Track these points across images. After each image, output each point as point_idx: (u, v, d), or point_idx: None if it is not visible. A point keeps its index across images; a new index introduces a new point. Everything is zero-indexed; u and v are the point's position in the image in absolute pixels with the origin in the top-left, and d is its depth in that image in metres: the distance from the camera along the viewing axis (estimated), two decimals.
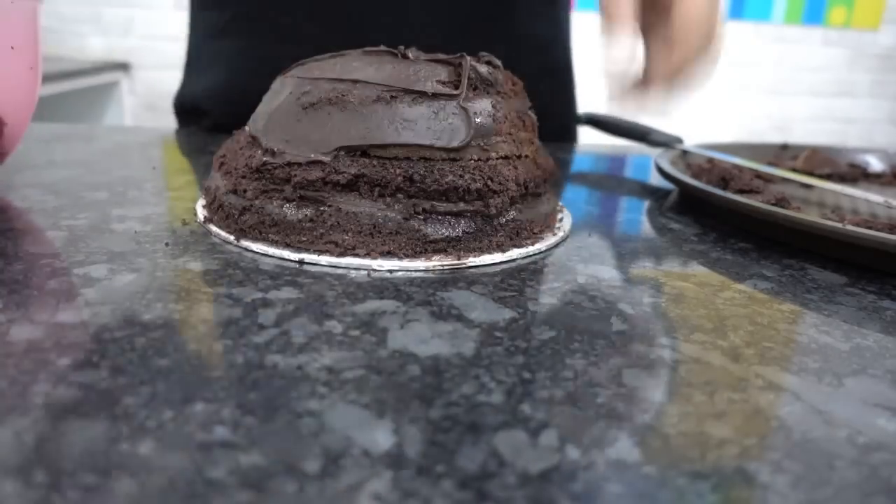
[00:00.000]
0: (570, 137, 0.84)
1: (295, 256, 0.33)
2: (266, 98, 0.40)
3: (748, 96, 2.45)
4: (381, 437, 0.19)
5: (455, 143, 0.35)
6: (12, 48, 0.41)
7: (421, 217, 0.34)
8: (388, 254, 0.34)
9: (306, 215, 0.34)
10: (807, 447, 0.20)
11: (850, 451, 0.20)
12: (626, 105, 0.38)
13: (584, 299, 0.31)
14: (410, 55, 0.39)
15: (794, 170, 0.62)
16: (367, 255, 0.33)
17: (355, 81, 0.36)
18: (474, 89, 0.37)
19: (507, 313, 0.28)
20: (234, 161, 0.38)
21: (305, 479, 0.17)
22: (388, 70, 0.36)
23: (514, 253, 0.36)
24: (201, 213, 0.39)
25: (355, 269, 0.33)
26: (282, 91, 0.38)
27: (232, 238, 0.35)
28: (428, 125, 0.35)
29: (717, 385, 0.23)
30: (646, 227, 0.45)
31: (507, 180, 0.36)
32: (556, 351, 0.25)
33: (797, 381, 0.24)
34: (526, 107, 0.41)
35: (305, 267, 0.33)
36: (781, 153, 0.68)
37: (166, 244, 0.35)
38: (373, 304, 0.29)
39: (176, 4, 2.05)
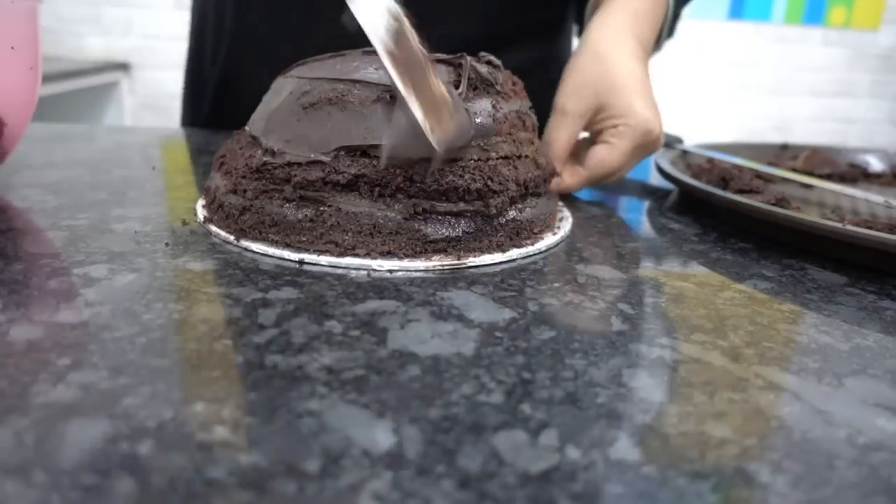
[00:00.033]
0: None
1: (295, 256, 0.33)
2: (266, 98, 0.40)
3: (748, 96, 2.45)
4: (381, 437, 0.19)
5: None
6: (12, 48, 0.41)
7: (421, 217, 0.34)
8: (388, 254, 0.34)
9: (306, 215, 0.34)
10: (807, 447, 0.20)
11: (850, 451, 0.20)
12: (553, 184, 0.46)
13: (584, 299, 0.31)
14: None
15: (794, 170, 0.62)
16: (367, 255, 0.33)
17: (355, 81, 0.35)
18: (474, 89, 0.37)
19: (507, 313, 0.28)
20: (234, 161, 0.38)
21: (305, 479, 0.17)
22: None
23: (514, 253, 0.36)
24: (201, 213, 0.39)
25: (355, 269, 0.33)
26: (282, 91, 0.38)
27: (232, 238, 0.35)
28: None
29: (717, 385, 0.23)
30: (646, 227, 0.45)
31: (507, 180, 0.36)
32: (556, 351, 0.25)
33: (797, 381, 0.24)
34: (526, 107, 0.41)
35: (305, 267, 0.33)
36: (781, 153, 0.68)
37: (166, 244, 0.35)
38: (373, 304, 0.29)
39: (176, 4, 2.05)
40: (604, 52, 0.49)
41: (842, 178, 0.63)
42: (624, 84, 0.48)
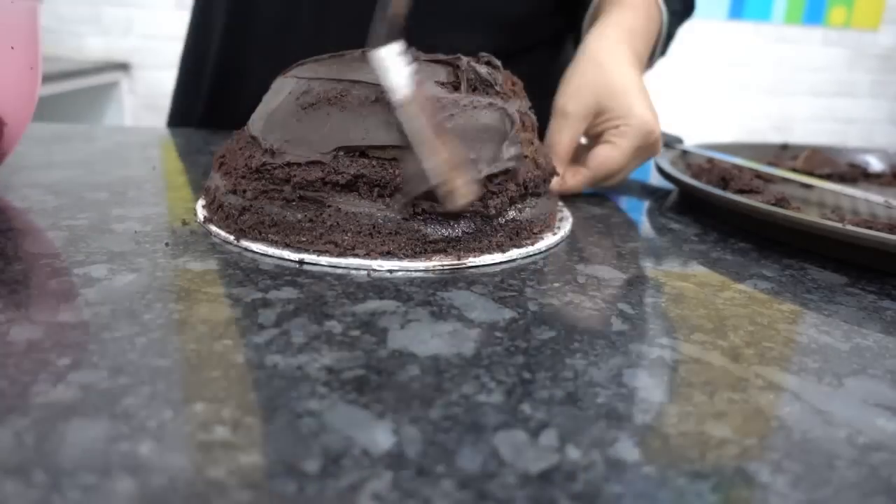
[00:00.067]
0: None
1: (295, 256, 0.33)
2: (266, 98, 0.40)
3: (748, 96, 2.45)
4: (381, 437, 0.19)
5: None
6: (12, 48, 0.41)
7: (421, 217, 0.34)
8: (388, 254, 0.34)
9: (306, 215, 0.34)
10: (807, 447, 0.20)
11: (850, 451, 0.20)
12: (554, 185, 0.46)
13: (584, 299, 0.31)
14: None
15: (794, 170, 0.62)
16: (367, 255, 0.33)
17: (355, 82, 0.35)
18: (474, 90, 0.37)
19: (507, 313, 0.28)
20: (234, 161, 0.38)
21: (305, 479, 0.17)
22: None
23: (514, 253, 0.36)
24: (201, 213, 0.39)
25: (355, 269, 0.33)
26: (281, 91, 0.38)
27: (232, 238, 0.35)
28: None
29: (717, 385, 0.23)
30: (646, 227, 0.45)
31: (507, 180, 0.36)
32: (556, 351, 0.25)
33: (797, 381, 0.24)
34: (525, 107, 0.41)
35: (305, 267, 0.33)
36: (781, 153, 0.68)
37: (166, 244, 0.35)
38: (373, 304, 0.29)
39: (176, 4, 2.05)
40: (602, 59, 0.50)
41: (842, 178, 0.63)
42: (623, 87, 0.48)
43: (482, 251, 0.35)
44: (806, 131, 2.49)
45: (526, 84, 0.43)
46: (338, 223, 0.34)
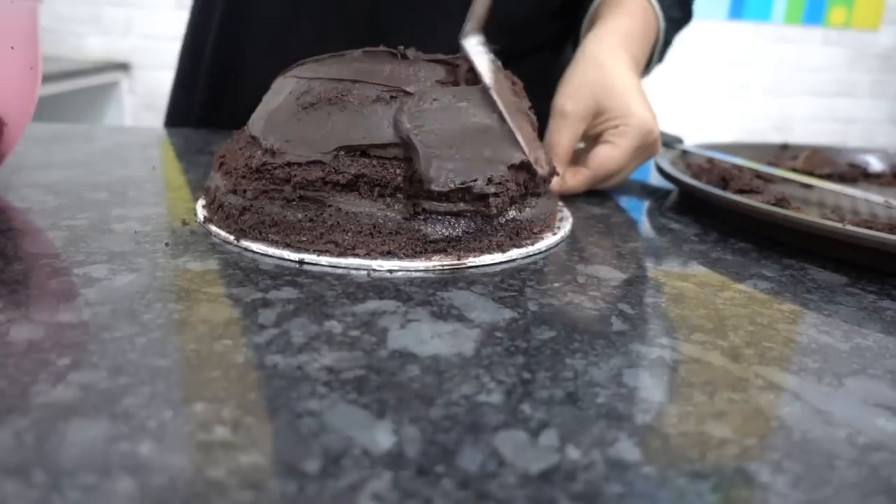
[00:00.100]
0: None
1: (295, 256, 0.33)
2: (266, 98, 0.40)
3: (748, 96, 2.45)
4: (381, 437, 0.19)
5: None
6: (12, 48, 0.41)
7: (421, 217, 0.34)
8: (388, 254, 0.34)
9: (306, 215, 0.34)
10: (807, 447, 0.20)
11: (850, 451, 0.20)
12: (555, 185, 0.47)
13: (584, 299, 0.31)
14: (409, 55, 0.39)
15: (794, 170, 0.62)
16: (367, 255, 0.33)
17: (355, 81, 0.35)
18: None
19: (507, 313, 0.28)
20: (234, 161, 0.38)
21: (305, 479, 0.17)
22: (388, 70, 0.36)
23: (514, 253, 0.36)
24: (201, 213, 0.39)
25: (355, 269, 0.33)
26: (281, 91, 0.38)
27: (232, 238, 0.35)
28: None
29: (717, 385, 0.23)
30: (646, 227, 0.45)
31: (508, 180, 0.36)
32: (556, 351, 0.25)
33: (797, 381, 0.24)
34: (526, 107, 0.41)
35: (305, 267, 0.33)
36: (781, 153, 0.68)
37: (166, 244, 0.35)
38: (373, 304, 0.29)
39: (176, 4, 2.05)
40: (600, 61, 0.50)
41: (842, 178, 0.63)
42: (622, 88, 0.48)
43: (482, 251, 0.35)
44: (806, 131, 2.49)
45: (526, 84, 0.43)
46: (338, 223, 0.34)
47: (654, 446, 0.20)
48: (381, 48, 0.39)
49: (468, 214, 0.35)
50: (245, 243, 0.35)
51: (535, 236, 0.38)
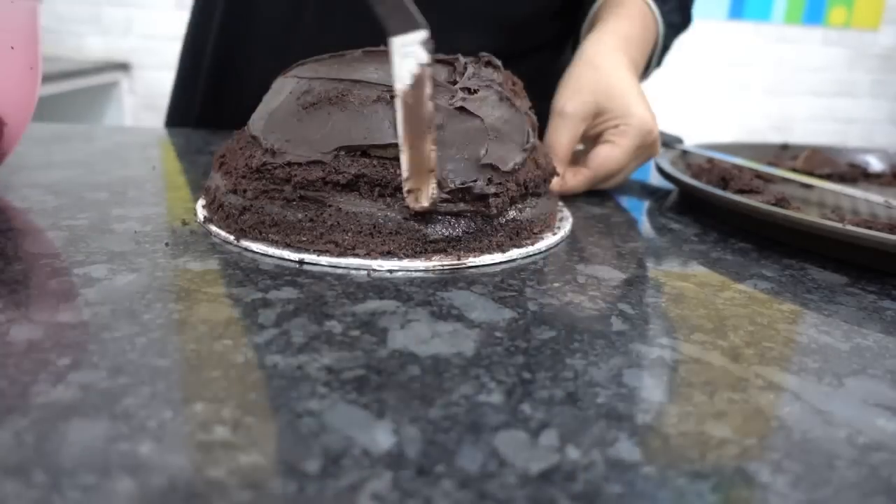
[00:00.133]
0: None
1: (295, 256, 0.33)
2: (266, 98, 0.40)
3: (748, 96, 2.45)
4: (381, 437, 0.19)
5: None
6: (12, 48, 0.41)
7: (421, 217, 0.34)
8: (388, 254, 0.34)
9: (306, 215, 0.34)
10: (807, 447, 0.20)
11: (850, 451, 0.20)
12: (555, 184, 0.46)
13: (584, 299, 0.31)
14: None
15: (794, 170, 0.62)
16: (367, 255, 0.33)
17: (355, 81, 0.35)
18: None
19: (507, 313, 0.28)
20: (234, 161, 0.38)
21: (305, 479, 0.17)
22: (388, 70, 0.36)
23: (514, 253, 0.36)
24: (201, 213, 0.39)
25: (355, 269, 0.33)
26: (282, 91, 0.38)
27: (232, 238, 0.35)
28: None
29: (717, 385, 0.23)
30: (646, 227, 0.45)
31: (508, 180, 0.36)
32: (556, 351, 0.25)
33: (797, 381, 0.24)
34: (526, 107, 0.41)
35: (305, 267, 0.33)
36: (781, 153, 0.68)
37: (166, 244, 0.35)
38: (373, 304, 0.29)
39: (176, 4, 2.05)
40: (599, 62, 0.51)
41: (842, 178, 0.63)
42: (621, 88, 0.49)
43: (482, 251, 0.35)
44: (806, 131, 2.49)
45: (526, 84, 0.43)
46: (338, 223, 0.34)
47: (654, 446, 0.20)
48: (382, 48, 0.39)
49: (468, 214, 0.35)
50: (245, 243, 0.35)
51: (535, 236, 0.38)
